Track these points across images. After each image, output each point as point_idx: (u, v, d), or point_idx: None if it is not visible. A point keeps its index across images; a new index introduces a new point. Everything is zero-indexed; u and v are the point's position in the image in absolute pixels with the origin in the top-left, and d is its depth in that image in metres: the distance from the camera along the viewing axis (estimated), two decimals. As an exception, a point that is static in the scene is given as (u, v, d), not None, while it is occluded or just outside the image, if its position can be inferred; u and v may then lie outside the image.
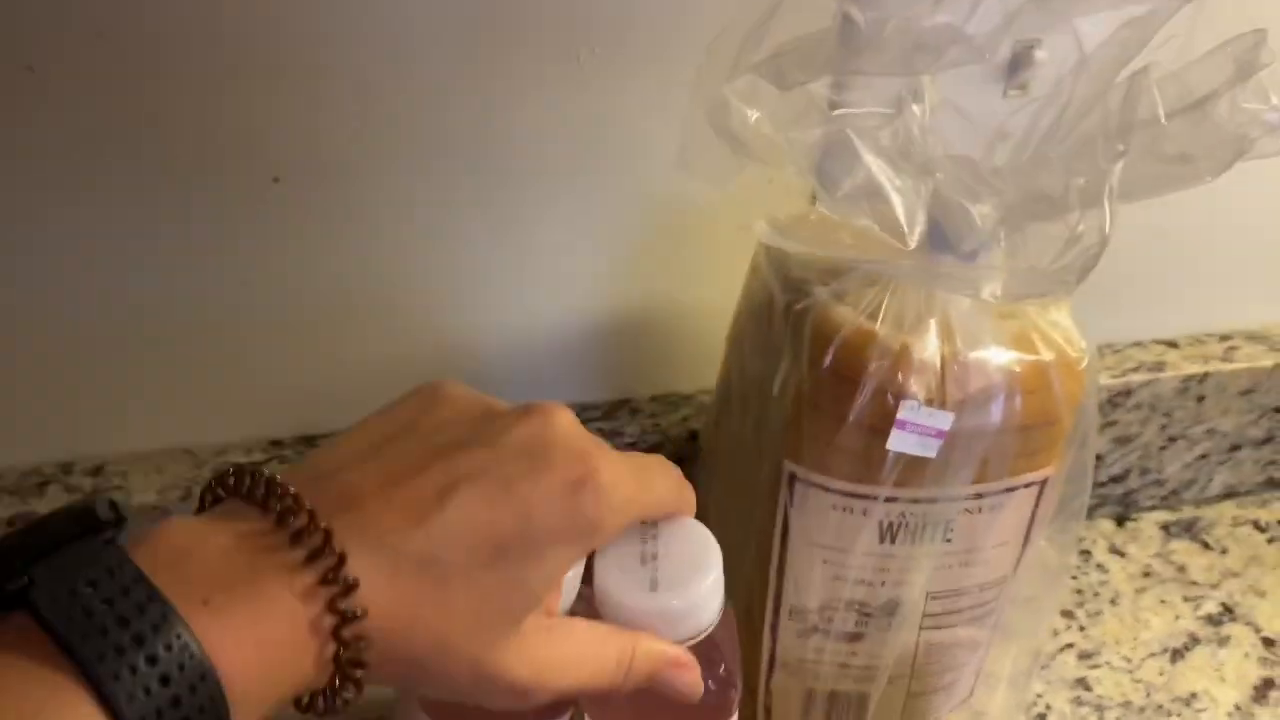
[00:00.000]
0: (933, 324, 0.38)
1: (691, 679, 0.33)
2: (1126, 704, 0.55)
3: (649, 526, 0.35)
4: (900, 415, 0.37)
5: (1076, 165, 0.32)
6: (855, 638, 0.44)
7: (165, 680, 0.23)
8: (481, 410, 0.32)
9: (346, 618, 0.27)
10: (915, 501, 0.40)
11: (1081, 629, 0.59)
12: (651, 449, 0.55)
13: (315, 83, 0.44)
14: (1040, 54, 0.34)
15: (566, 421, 0.31)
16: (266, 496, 0.27)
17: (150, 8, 0.41)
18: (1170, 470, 0.64)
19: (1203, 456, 0.65)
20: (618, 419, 0.55)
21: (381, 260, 0.49)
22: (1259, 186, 0.57)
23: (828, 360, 0.38)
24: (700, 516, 0.52)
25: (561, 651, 0.31)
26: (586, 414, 0.55)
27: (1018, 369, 0.38)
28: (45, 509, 0.48)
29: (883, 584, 0.42)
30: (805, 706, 0.46)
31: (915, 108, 0.34)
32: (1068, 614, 0.60)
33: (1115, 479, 0.64)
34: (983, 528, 0.41)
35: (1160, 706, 0.55)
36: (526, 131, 0.47)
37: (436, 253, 0.50)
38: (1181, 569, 0.63)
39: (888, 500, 0.40)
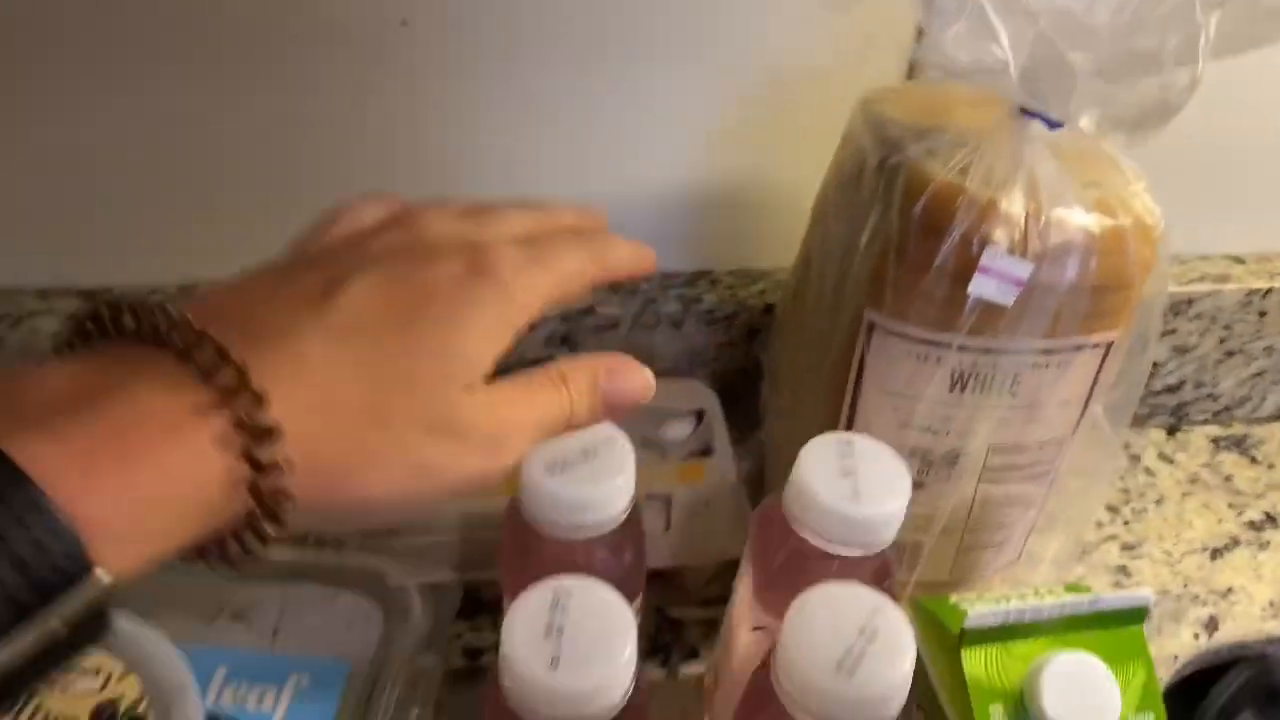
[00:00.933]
0: (1019, 182, 0.40)
1: (639, 376, 0.35)
2: (1164, 592, 0.58)
3: (560, 597, 0.32)
4: (983, 261, 0.39)
5: (1173, 23, 0.34)
6: (916, 486, 0.47)
7: None
8: (355, 230, 0.32)
9: (257, 434, 0.25)
10: (987, 352, 0.42)
11: (1125, 523, 0.61)
12: (728, 318, 0.58)
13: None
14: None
15: (435, 215, 0.32)
16: (138, 322, 0.25)
17: None
18: (1225, 385, 0.66)
19: (1258, 374, 0.66)
20: (697, 287, 0.58)
21: (483, 115, 0.52)
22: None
23: (918, 210, 0.41)
24: (771, 375, 0.55)
25: (510, 396, 0.31)
26: (668, 282, 0.58)
27: (1096, 230, 0.41)
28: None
29: (947, 433, 0.45)
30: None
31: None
32: (1113, 509, 0.62)
33: (1170, 389, 0.66)
34: (1048, 384, 0.44)
35: (1196, 596, 0.58)
36: (632, 4, 0.50)
37: (534, 116, 0.53)
38: (1228, 479, 0.65)
39: (961, 349, 0.42)
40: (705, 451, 0.54)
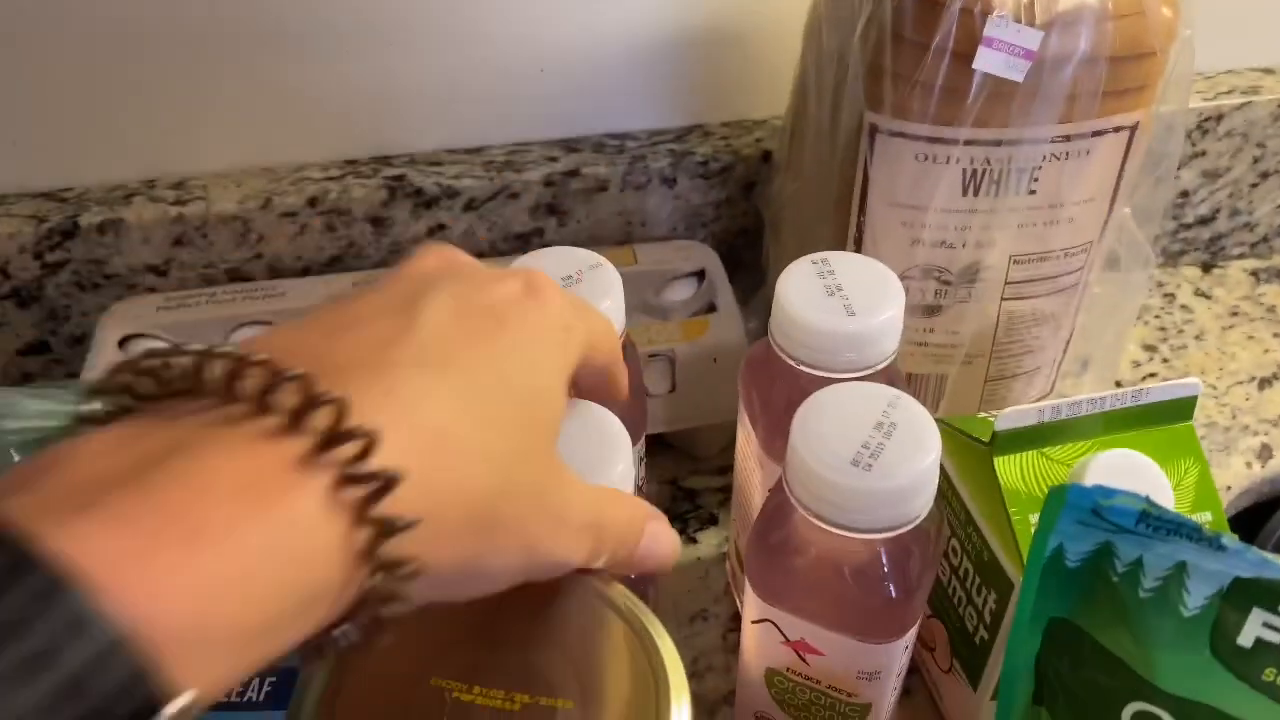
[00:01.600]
0: (1020, -55, 0.37)
1: (670, 541, 0.29)
2: (1211, 424, 0.54)
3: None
4: (987, 32, 0.36)
5: None
6: (933, 311, 0.44)
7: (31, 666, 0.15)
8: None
9: (372, 484, 0.19)
10: (998, 144, 0.39)
11: (1165, 360, 0.58)
12: (724, 169, 0.54)
13: None
14: None
15: (451, 250, 0.28)
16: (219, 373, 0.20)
17: None
18: (1261, 211, 0.62)
19: (1297, 197, 0.62)
20: (688, 141, 0.55)
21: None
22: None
23: (911, -16, 0.37)
24: (773, 225, 0.51)
25: (598, 493, 0.27)
26: (658, 138, 0.55)
27: (1111, -9, 0.37)
28: (133, 217, 0.50)
29: (963, 245, 0.42)
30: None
31: None
32: (1150, 348, 0.59)
33: (1203, 220, 0.62)
34: (1069, 178, 0.40)
35: (1246, 427, 0.54)
36: None
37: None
38: (1271, 309, 0.61)
39: (969, 143, 0.39)
40: (709, 309, 0.51)
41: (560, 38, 0.52)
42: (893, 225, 0.42)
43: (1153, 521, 0.26)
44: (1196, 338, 0.59)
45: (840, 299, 0.35)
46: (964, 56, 0.37)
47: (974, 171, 0.40)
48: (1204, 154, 0.59)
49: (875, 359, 0.35)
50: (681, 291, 0.52)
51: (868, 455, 0.30)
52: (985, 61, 0.36)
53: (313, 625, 0.20)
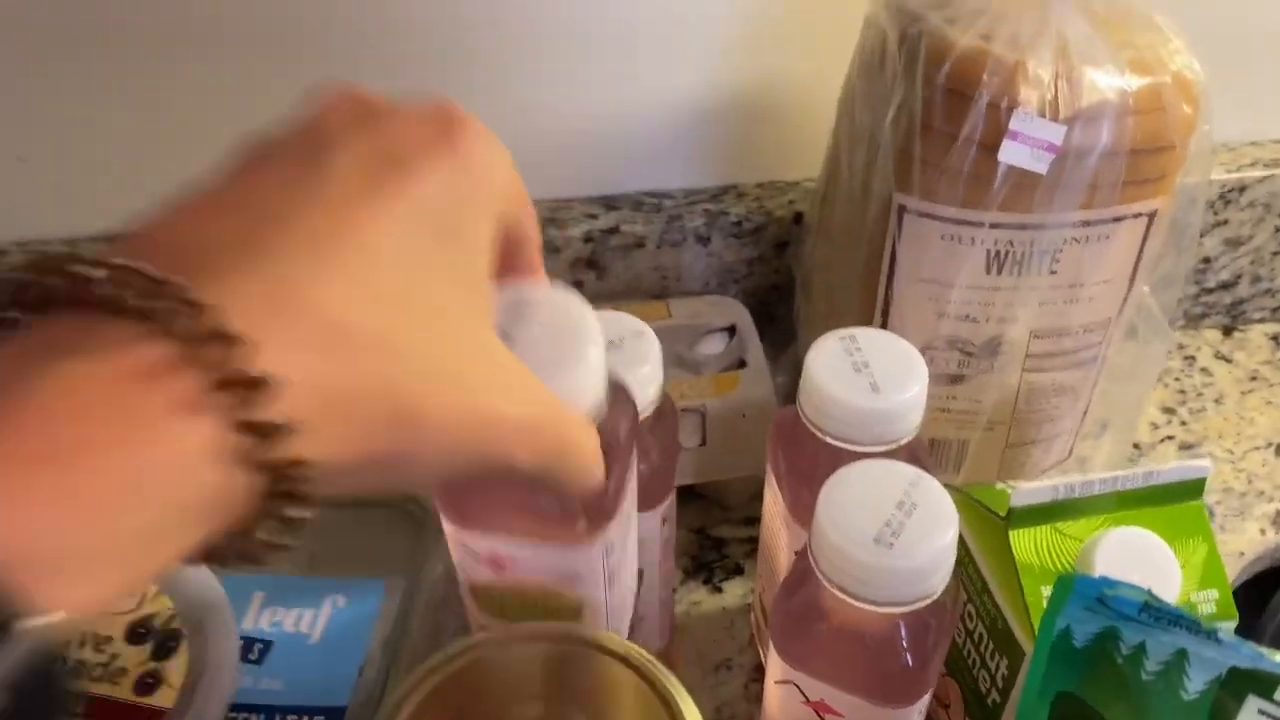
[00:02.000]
0: (1047, 44, 0.38)
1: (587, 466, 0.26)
2: (1228, 490, 0.55)
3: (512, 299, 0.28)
4: (1012, 125, 0.38)
5: None
6: (956, 379, 0.45)
7: None
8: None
9: (246, 390, 0.18)
10: (1022, 228, 0.41)
11: (1183, 423, 0.59)
12: (757, 229, 0.56)
13: None
14: None
15: (359, 91, 0.24)
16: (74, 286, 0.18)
17: None
18: (1283, 278, 0.64)
19: (1319, 265, 0.64)
20: (723, 201, 0.57)
21: (496, 31, 0.51)
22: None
23: (942, 77, 0.39)
24: (804, 285, 0.53)
25: (538, 389, 0.24)
26: (694, 197, 0.57)
27: (1131, 88, 0.38)
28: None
29: (987, 320, 0.43)
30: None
31: None
32: (1169, 410, 0.60)
33: (1225, 285, 0.63)
34: (1089, 260, 0.42)
35: (1262, 493, 0.55)
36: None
37: (550, 27, 0.52)
38: (1290, 375, 0.62)
39: (995, 226, 0.41)
40: (739, 364, 0.53)
41: (603, 102, 0.54)
42: (919, 299, 0.44)
43: (1154, 612, 0.27)
44: (1216, 401, 0.60)
45: (866, 376, 0.37)
46: (990, 147, 0.39)
47: (998, 252, 0.42)
48: (1226, 222, 0.60)
49: (899, 434, 0.37)
50: (713, 346, 0.54)
51: (890, 534, 0.32)
52: (1010, 154, 0.38)
53: (200, 535, 0.19)
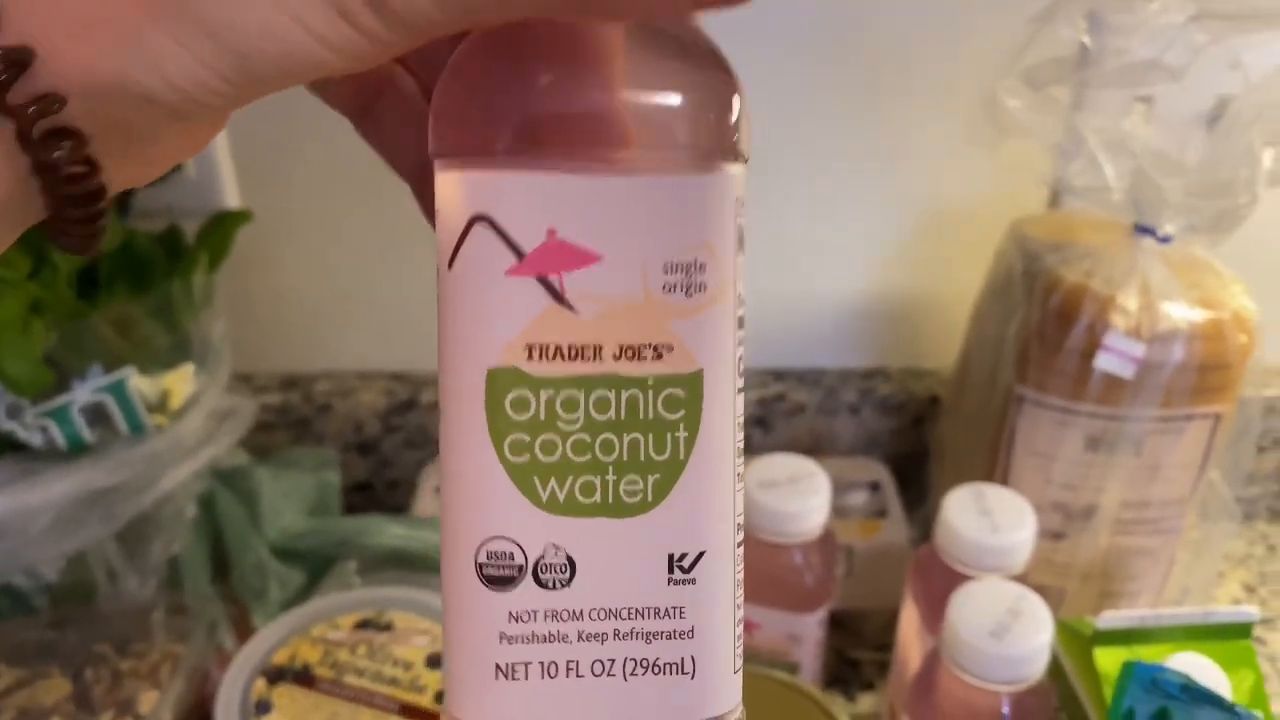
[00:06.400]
0: (1134, 283, 0.52)
1: None
2: (1297, 659, 0.64)
3: None
4: (1105, 341, 0.51)
5: (1240, 160, 0.46)
6: (1059, 536, 0.57)
7: None
8: None
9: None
10: (1113, 418, 0.53)
11: (1262, 601, 0.68)
12: (899, 406, 0.70)
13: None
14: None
15: None
16: None
17: None
18: (1356, 484, 0.73)
19: (1389, 475, 0.73)
20: (873, 380, 0.70)
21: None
22: None
23: (1054, 304, 0.53)
24: (937, 454, 0.66)
25: None
26: (848, 375, 0.71)
27: (1198, 320, 0.51)
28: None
29: (1084, 489, 0.55)
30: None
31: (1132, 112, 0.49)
32: (1250, 589, 0.69)
33: (1303, 486, 0.73)
34: (1167, 447, 0.54)
35: (1328, 665, 0.64)
36: (825, 147, 0.64)
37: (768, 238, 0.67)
38: (1362, 568, 0.71)
39: (1091, 415, 0.53)
40: (881, 514, 0.65)
41: (778, 294, 0.69)
42: (1031, 469, 0.56)
43: (1191, 691, 0.39)
44: (1292, 585, 0.70)
45: (989, 519, 0.49)
46: (1089, 356, 0.52)
47: (1094, 436, 0.54)
48: (1302, 431, 0.71)
49: (1011, 566, 0.49)
50: (857, 498, 0.67)
51: (1001, 630, 0.44)
52: (1104, 363, 0.51)
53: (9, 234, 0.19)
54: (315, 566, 0.59)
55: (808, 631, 0.53)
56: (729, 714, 0.22)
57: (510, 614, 0.21)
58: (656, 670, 0.21)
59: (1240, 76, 0.45)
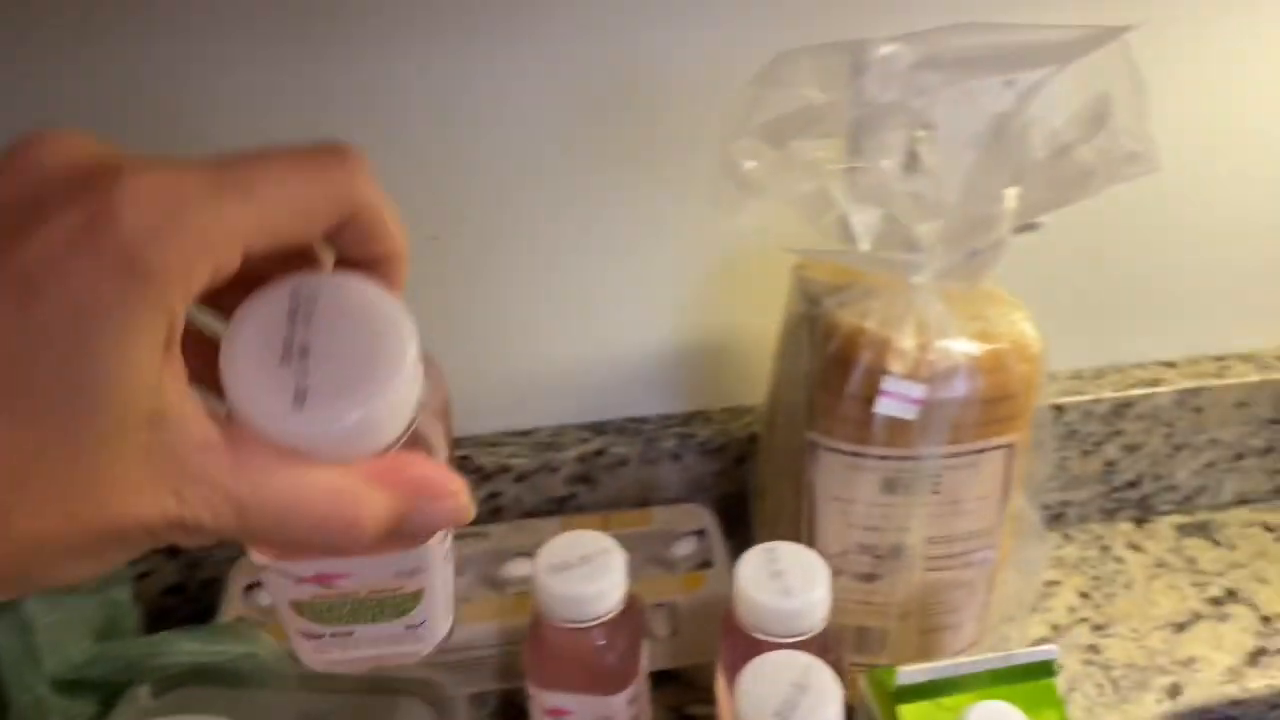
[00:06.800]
0: (910, 322, 0.51)
1: (457, 505, 0.26)
2: (1131, 664, 0.64)
3: (300, 299, 0.25)
4: (884, 386, 0.50)
5: (993, 196, 0.45)
6: (870, 578, 0.56)
7: None
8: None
9: None
10: (904, 459, 0.52)
11: (1097, 607, 0.69)
12: (719, 449, 0.68)
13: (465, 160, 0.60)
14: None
15: (62, 148, 0.21)
16: None
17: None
18: (1181, 476, 0.74)
19: (1210, 464, 0.74)
20: (692, 425, 0.69)
21: (509, 296, 0.65)
22: (1242, 236, 0.68)
23: (832, 350, 0.51)
24: (757, 494, 0.65)
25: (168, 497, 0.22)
26: (668, 422, 0.69)
27: (978, 353, 0.51)
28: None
29: (888, 530, 0.54)
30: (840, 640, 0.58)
31: (884, 161, 0.48)
32: (1085, 595, 0.70)
33: (1131, 484, 0.74)
34: (964, 482, 0.53)
35: (1161, 667, 0.64)
36: (616, 194, 0.62)
37: (550, 292, 0.65)
38: (1192, 560, 0.72)
39: (882, 458, 0.52)
40: (706, 564, 0.64)
41: (592, 348, 0.67)
42: (834, 512, 0.55)
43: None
44: (1125, 587, 0.70)
45: (781, 581, 0.48)
46: (870, 400, 0.50)
47: (889, 478, 0.53)
48: (1122, 432, 0.71)
49: (807, 628, 0.47)
50: (686, 548, 0.65)
51: (787, 708, 0.42)
52: (884, 407, 0.50)
53: None
54: (107, 694, 0.56)
55: (618, 712, 0.51)
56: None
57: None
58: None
59: (983, 113, 0.44)
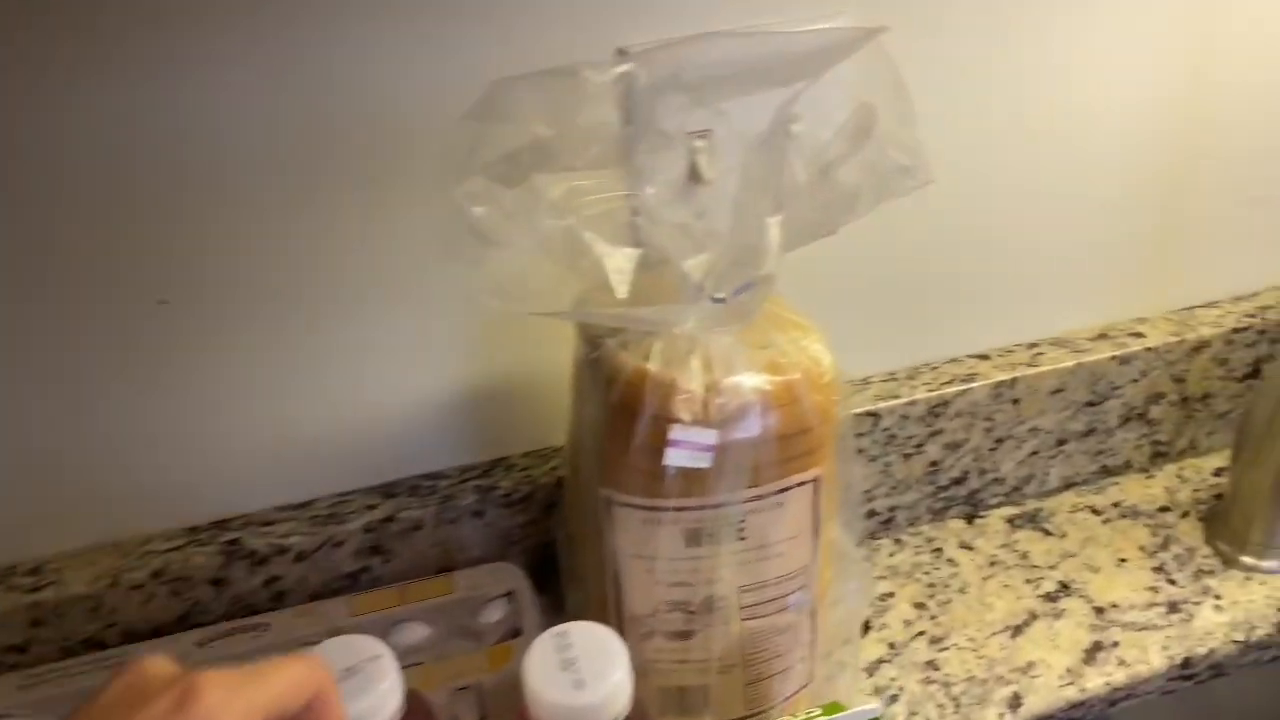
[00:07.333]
0: (695, 359, 0.46)
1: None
2: (971, 678, 0.62)
3: None
4: (671, 436, 0.45)
5: (760, 223, 0.40)
6: (685, 635, 0.51)
7: None
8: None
9: None
10: (703, 508, 0.47)
11: (933, 618, 0.66)
12: (524, 499, 0.63)
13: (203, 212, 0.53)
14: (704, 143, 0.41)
15: (155, 661, 0.33)
16: None
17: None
18: (1006, 468, 0.72)
19: (1034, 453, 0.72)
20: (493, 475, 0.63)
21: (273, 358, 0.57)
22: (1047, 222, 0.66)
23: (614, 398, 0.46)
24: (564, 547, 0.59)
25: None
26: (467, 474, 0.63)
27: (769, 388, 0.46)
28: (-9, 607, 0.56)
29: (697, 583, 0.50)
30: (661, 702, 0.53)
31: (646, 190, 0.43)
32: (920, 605, 0.67)
33: (956, 481, 0.71)
34: (771, 524, 0.49)
35: (1001, 677, 0.62)
36: (400, 242, 0.56)
37: (313, 350, 0.58)
38: (1024, 555, 0.70)
39: (680, 509, 0.47)
40: (515, 633, 0.58)
41: (371, 405, 0.60)
42: (638, 570, 0.50)
43: None
44: (960, 591, 0.68)
45: (573, 672, 0.42)
46: (660, 450, 0.46)
47: (691, 529, 0.48)
48: (942, 431, 0.69)
49: (610, 716, 0.42)
50: (494, 613, 0.59)
51: None
52: (673, 458, 0.45)
53: None
54: None
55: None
56: None
57: None
58: None
59: (741, 134, 0.39)
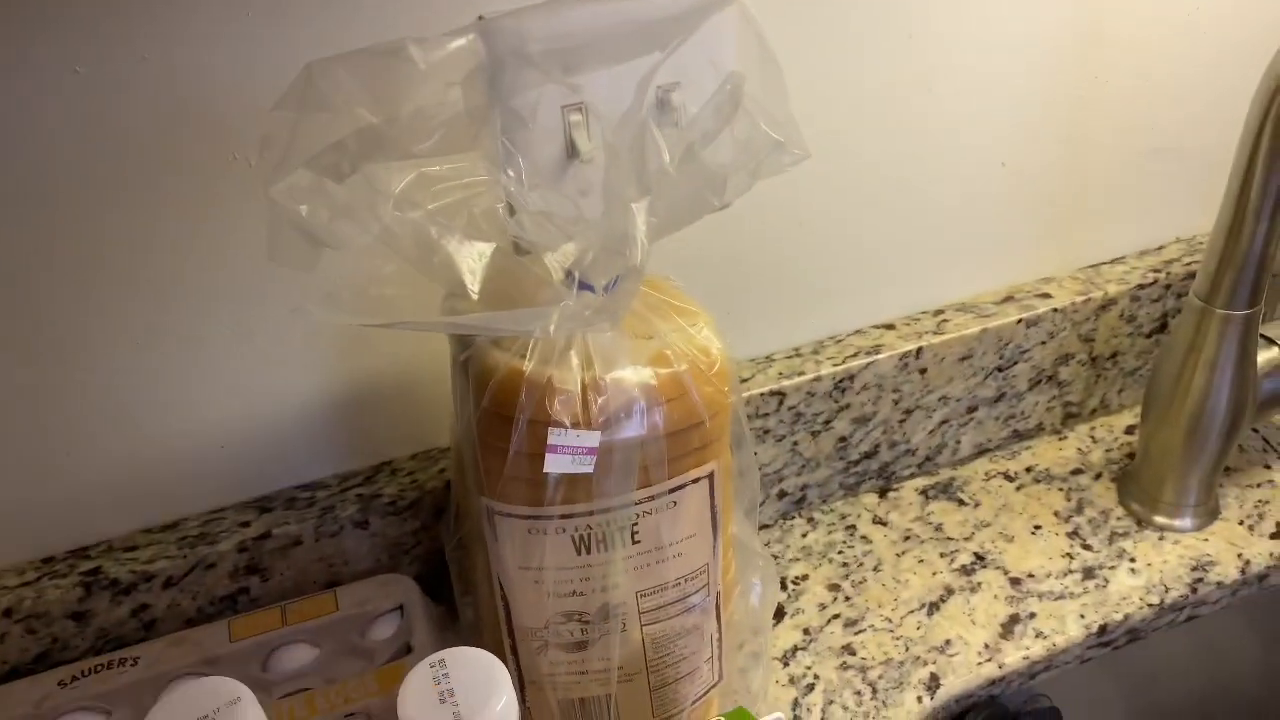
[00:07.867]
0: (573, 355, 0.43)
1: None
2: (888, 661, 0.60)
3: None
4: (550, 440, 0.41)
5: (625, 211, 0.37)
6: (582, 646, 0.48)
7: None
8: None
9: None
10: (591, 513, 0.44)
11: (847, 599, 0.64)
12: (411, 505, 0.59)
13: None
14: (579, 118, 0.37)
15: None
16: None
17: None
18: (917, 439, 0.70)
19: (944, 422, 0.70)
20: (376, 481, 0.59)
21: (123, 368, 0.53)
22: (946, 185, 0.64)
23: (487, 401, 0.43)
24: (452, 560, 0.56)
25: None
26: (348, 482, 0.59)
27: (654, 382, 0.43)
28: None
29: (591, 591, 0.46)
30: (562, 716, 0.50)
31: (507, 174, 0.39)
32: (834, 587, 0.65)
33: (868, 455, 0.69)
34: (665, 525, 0.46)
35: (918, 658, 0.60)
36: (243, 237, 0.51)
37: (177, 359, 0.53)
38: (938, 528, 0.68)
39: (565, 516, 0.44)
40: (406, 650, 0.54)
41: (238, 414, 0.56)
42: (526, 583, 0.46)
43: None
44: (875, 569, 0.66)
45: (451, 707, 0.39)
46: (539, 457, 0.42)
47: (579, 536, 0.45)
48: (849, 406, 0.66)
49: None
50: (384, 629, 0.56)
51: None
52: (554, 464, 0.41)
53: None
54: None
55: None
56: None
57: None
58: None
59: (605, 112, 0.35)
